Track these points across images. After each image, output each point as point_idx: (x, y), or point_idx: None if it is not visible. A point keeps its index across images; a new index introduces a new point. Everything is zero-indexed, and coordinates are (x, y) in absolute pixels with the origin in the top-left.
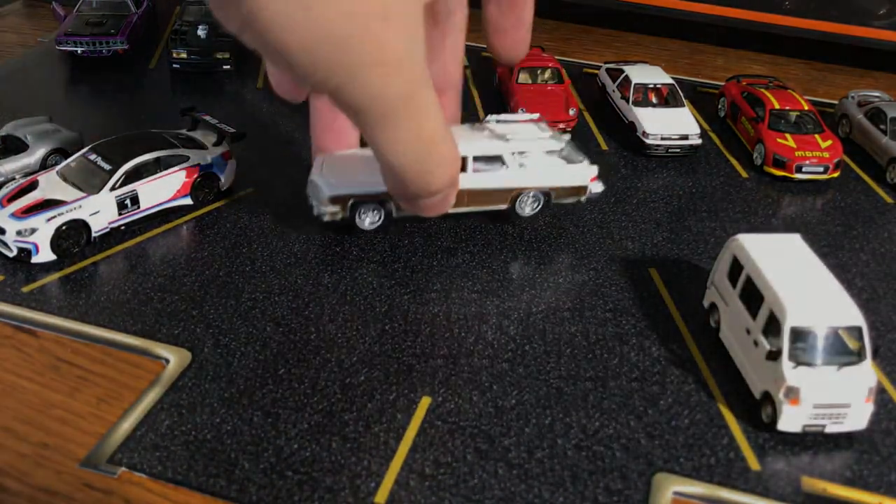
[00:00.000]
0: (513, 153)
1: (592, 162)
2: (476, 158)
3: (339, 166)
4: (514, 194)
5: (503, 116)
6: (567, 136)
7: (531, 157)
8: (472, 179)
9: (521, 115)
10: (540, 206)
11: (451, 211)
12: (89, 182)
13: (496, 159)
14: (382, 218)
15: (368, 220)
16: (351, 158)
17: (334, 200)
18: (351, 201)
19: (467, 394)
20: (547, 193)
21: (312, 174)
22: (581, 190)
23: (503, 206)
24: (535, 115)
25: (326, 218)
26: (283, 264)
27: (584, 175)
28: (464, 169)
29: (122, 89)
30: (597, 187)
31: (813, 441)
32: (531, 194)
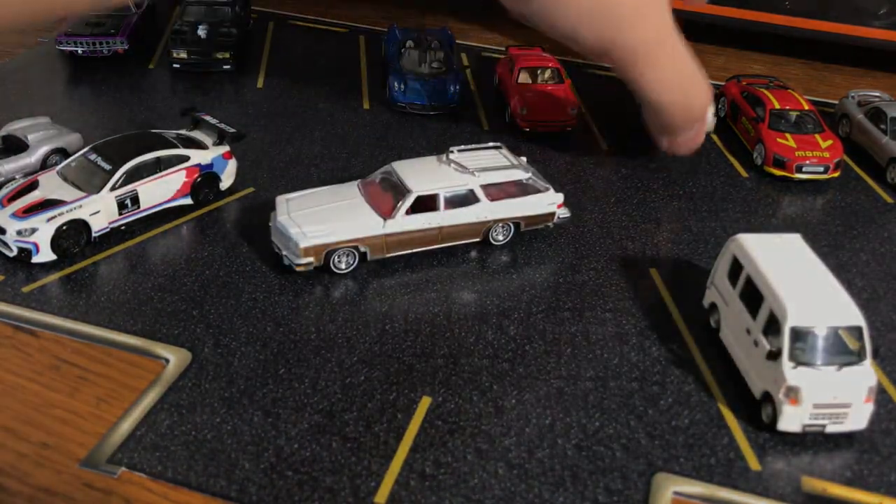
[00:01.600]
0: (482, 185)
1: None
2: (448, 196)
3: (308, 211)
4: (487, 227)
5: (464, 147)
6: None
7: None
8: (445, 216)
9: (483, 144)
10: (511, 234)
11: (423, 249)
12: (89, 182)
13: (468, 194)
14: (357, 261)
15: (344, 264)
16: (319, 200)
17: (308, 252)
18: (325, 251)
19: (467, 394)
20: (517, 223)
21: (278, 219)
22: (549, 217)
23: (476, 239)
24: (497, 144)
25: (298, 269)
26: (283, 264)
27: (551, 203)
28: (436, 207)
29: (122, 89)
30: (564, 213)
31: (813, 441)
32: (500, 226)
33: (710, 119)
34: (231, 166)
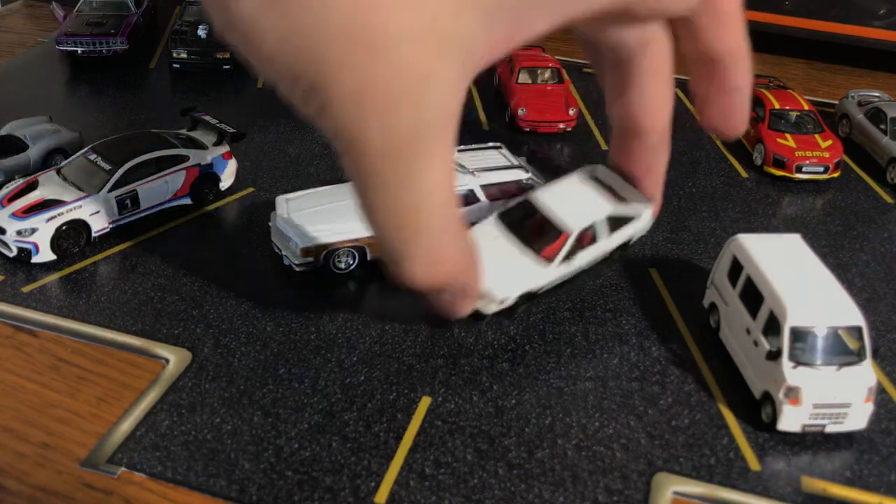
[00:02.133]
0: (482, 186)
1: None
2: None
3: (308, 211)
4: None
5: (464, 147)
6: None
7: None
8: None
9: (483, 144)
10: None
11: None
12: (89, 182)
13: (468, 194)
14: (357, 261)
15: (344, 264)
16: (319, 200)
17: (307, 252)
18: (325, 251)
19: (467, 394)
20: None
21: (278, 219)
22: None
23: None
24: (497, 144)
25: (298, 269)
26: (283, 264)
27: None
28: None
29: (122, 89)
30: None
31: (813, 441)
32: None
33: (497, 295)
34: (231, 166)
